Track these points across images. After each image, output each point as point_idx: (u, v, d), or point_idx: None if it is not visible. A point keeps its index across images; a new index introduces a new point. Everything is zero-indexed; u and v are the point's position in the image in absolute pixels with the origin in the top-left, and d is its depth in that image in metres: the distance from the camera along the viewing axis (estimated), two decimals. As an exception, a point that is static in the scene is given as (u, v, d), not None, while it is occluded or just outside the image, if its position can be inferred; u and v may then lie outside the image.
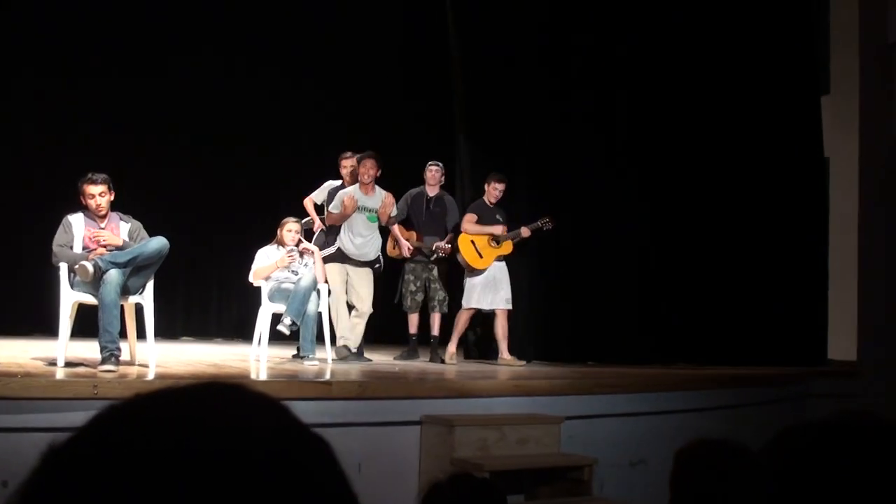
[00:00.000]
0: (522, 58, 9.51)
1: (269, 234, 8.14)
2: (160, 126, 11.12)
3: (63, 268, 6.24)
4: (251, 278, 7.96)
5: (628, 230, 9.23)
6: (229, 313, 12.21)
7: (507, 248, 8.92)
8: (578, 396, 6.46)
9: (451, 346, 8.87)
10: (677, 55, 9.64)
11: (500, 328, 8.80)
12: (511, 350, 8.72)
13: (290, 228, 7.97)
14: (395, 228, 9.02)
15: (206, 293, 12.33)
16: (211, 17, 11.16)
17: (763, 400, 7.62)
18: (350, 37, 11.59)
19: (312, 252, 8.07)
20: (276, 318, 7.47)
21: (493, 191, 8.98)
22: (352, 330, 8.45)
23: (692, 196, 9.45)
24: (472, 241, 8.87)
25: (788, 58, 9.90)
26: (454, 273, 9.19)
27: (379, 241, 8.64)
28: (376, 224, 8.60)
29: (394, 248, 9.21)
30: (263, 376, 6.38)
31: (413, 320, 9.29)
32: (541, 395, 6.32)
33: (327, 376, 6.30)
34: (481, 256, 8.84)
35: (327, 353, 7.72)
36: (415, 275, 9.19)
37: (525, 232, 8.83)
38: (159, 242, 6.27)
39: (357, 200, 8.42)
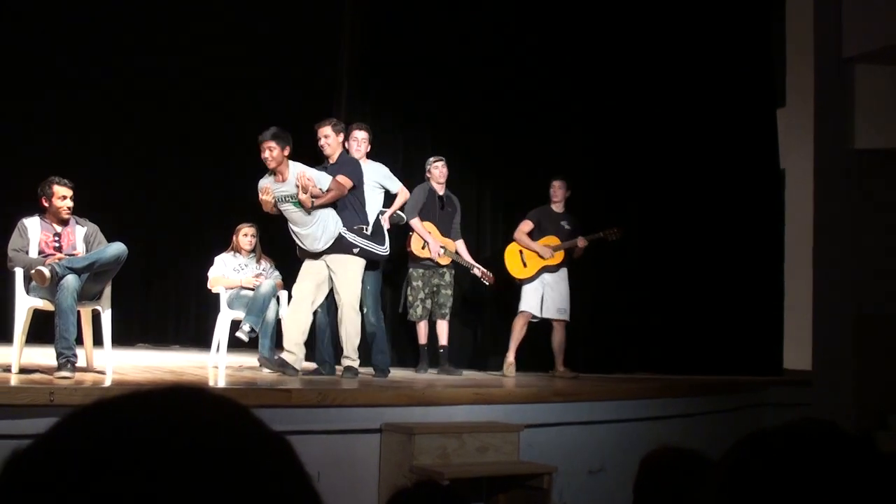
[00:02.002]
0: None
1: (226, 239, 8.10)
2: (114, 131, 11.04)
3: (18, 272, 6.17)
4: (209, 285, 7.92)
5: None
6: (187, 320, 12.12)
7: (556, 258, 8.60)
8: (537, 405, 6.48)
9: (510, 356, 8.51)
10: (633, 69, 9.73)
11: (556, 339, 8.57)
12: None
13: (247, 233, 7.95)
14: (419, 225, 8.40)
15: (163, 300, 12.24)
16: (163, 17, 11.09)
17: (720, 408, 7.69)
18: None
19: (271, 260, 8.05)
20: (235, 325, 7.43)
21: (553, 192, 8.70)
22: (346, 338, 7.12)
23: (648, 206, 9.54)
24: (520, 251, 8.62)
25: (744, 71, 10.04)
26: (464, 279, 9.00)
27: (329, 222, 6.96)
28: (314, 211, 6.92)
29: (423, 248, 8.46)
30: (222, 384, 6.34)
31: (422, 329, 8.64)
32: (500, 403, 6.33)
33: (287, 383, 6.27)
34: (525, 266, 8.58)
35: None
36: (423, 281, 8.51)
37: (581, 242, 8.56)
38: (117, 248, 6.21)
39: (272, 190, 6.91)
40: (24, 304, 6.12)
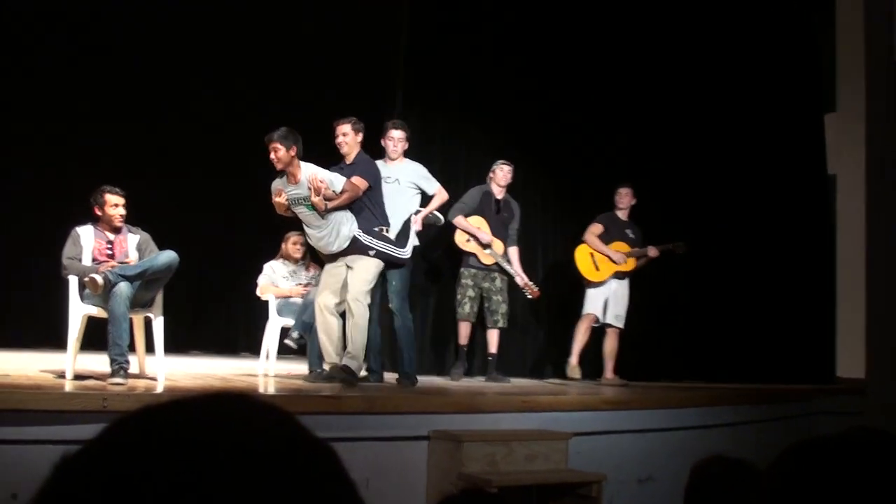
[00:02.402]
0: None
1: (276, 247, 8.16)
2: (168, 139, 11.15)
3: (73, 280, 6.27)
4: (259, 293, 7.98)
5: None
6: (238, 327, 12.21)
7: (629, 264, 8.56)
8: (586, 413, 6.46)
9: (574, 359, 8.45)
10: (681, 74, 9.66)
11: (608, 346, 8.51)
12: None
13: (296, 241, 8.00)
14: (463, 221, 8.30)
15: (214, 307, 12.35)
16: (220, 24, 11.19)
17: (771, 417, 7.60)
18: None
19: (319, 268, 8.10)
20: (285, 333, 7.48)
21: (619, 199, 8.67)
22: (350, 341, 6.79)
23: (696, 214, 9.44)
24: (591, 253, 8.54)
25: (792, 76, 9.93)
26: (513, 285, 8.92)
27: (343, 225, 6.77)
28: (328, 214, 6.74)
29: (468, 242, 8.34)
30: (271, 390, 6.38)
31: (464, 330, 8.45)
32: (548, 410, 6.31)
33: (336, 390, 6.30)
34: (598, 269, 8.51)
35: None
36: (474, 281, 8.36)
37: (652, 252, 8.51)
38: (169, 256, 6.29)
39: (285, 192, 6.76)
40: (79, 311, 6.22)
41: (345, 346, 6.82)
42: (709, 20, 9.81)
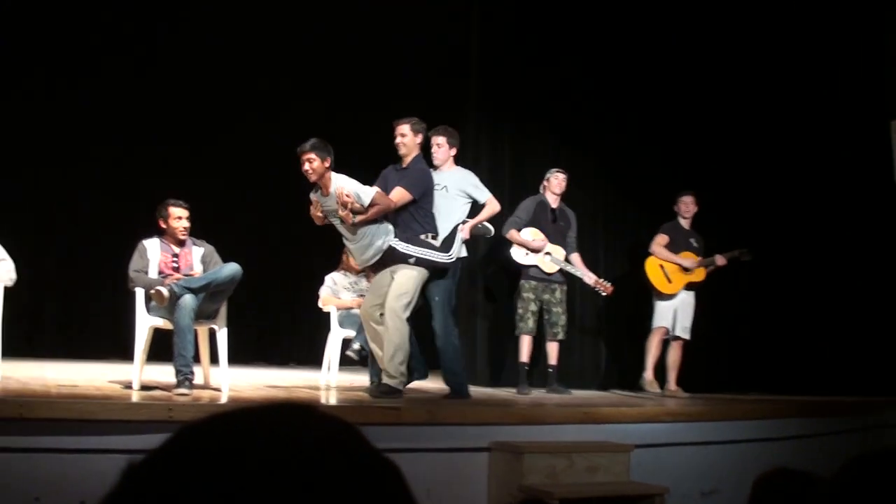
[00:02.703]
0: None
1: (337, 259, 8.22)
2: (235, 154, 11.29)
3: (139, 293, 6.39)
4: (320, 304, 8.05)
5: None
6: (300, 338, 12.31)
7: (699, 275, 8.46)
8: (648, 424, 6.41)
9: (649, 373, 8.34)
10: (743, 78, 9.55)
11: (673, 357, 8.40)
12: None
13: (356, 253, 8.05)
14: (517, 235, 8.15)
15: (277, 318, 12.47)
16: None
17: (837, 430, 7.46)
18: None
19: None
20: (347, 344, 7.54)
21: (684, 207, 8.56)
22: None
23: (759, 223, 9.29)
24: (662, 265, 8.45)
25: (857, 80, 9.75)
26: (578, 295, 8.89)
27: (378, 237, 6.57)
28: (357, 227, 6.55)
29: (527, 255, 8.18)
30: (333, 401, 6.43)
31: (527, 346, 8.24)
32: (610, 422, 6.28)
33: (397, 402, 6.33)
34: (670, 282, 8.41)
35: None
36: (535, 294, 8.20)
37: (720, 261, 8.41)
38: (232, 269, 6.39)
39: (320, 204, 6.59)
40: (145, 323, 6.33)
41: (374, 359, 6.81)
42: (771, 23, 9.68)
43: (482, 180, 8.99)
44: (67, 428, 4.75)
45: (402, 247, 6.58)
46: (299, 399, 5.73)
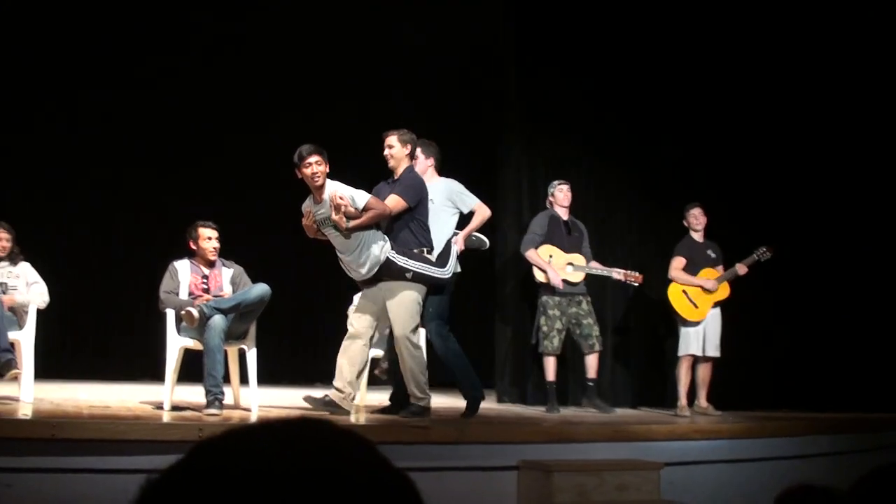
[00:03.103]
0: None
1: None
2: (264, 175, 11.36)
3: (170, 314, 6.45)
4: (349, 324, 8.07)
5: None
6: (328, 358, 12.32)
7: (723, 291, 8.17)
8: (678, 442, 6.37)
9: (683, 400, 8.08)
10: (777, 86, 9.46)
11: (703, 374, 8.16)
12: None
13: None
14: (535, 255, 8.06)
15: (307, 338, 12.51)
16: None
17: (871, 447, 7.38)
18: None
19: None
20: (374, 363, 7.55)
21: (694, 220, 8.31)
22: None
23: (787, 237, 9.12)
24: (684, 291, 8.16)
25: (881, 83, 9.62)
26: (608, 309, 8.81)
27: (374, 247, 6.33)
28: (354, 234, 6.32)
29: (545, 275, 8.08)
30: (362, 420, 6.45)
31: (551, 365, 8.07)
32: (640, 440, 6.25)
33: (425, 421, 6.34)
34: (696, 307, 8.14)
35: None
36: (560, 310, 8.03)
37: (741, 269, 8.16)
38: (261, 289, 6.44)
39: (313, 213, 6.43)
40: (175, 343, 6.39)
41: (397, 385, 6.77)
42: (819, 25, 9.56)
43: (521, 197, 8.98)
44: (99, 448, 4.80)
45: (401, 261, 6.36)
46: (315, 415, 5.74)
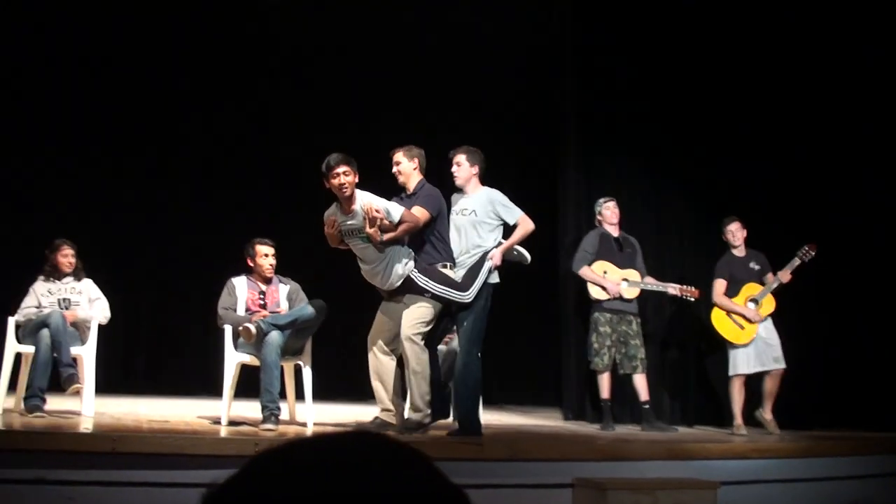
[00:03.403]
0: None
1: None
2: (318, 193, 11.45)
3: (227, 330, 6.54)
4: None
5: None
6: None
7: (768, 305, 7.97)
8: (735, 461, 6.31)
9: (738, 419, 7.95)
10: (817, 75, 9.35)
11: (770, 386, 7.96)
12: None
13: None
14: (588, 272, 8.03)
15: (361, 355, 12.56)
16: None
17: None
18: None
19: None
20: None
21: (731, 237, 8.17)
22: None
23: (835, 253, 8.92)
24: (729, 313, 8.04)
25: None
26: (663, 325, 8.75)
27: (400, 262, 6.22)
28: (383, 247, 6.19)
29: (603, 290, 8.02)
30: (415, 436, 6.47)
31: (605, 382, 8.03)
32: (695, 458, 6.20)
33: (479, 437, 6.36)
34: (743, 328, 7.98)
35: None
36: (611, 327, 8.00)
37: (785, 276, 7.94)
38: (318, 306, 6.52)
39: (338, 223, 6.27)
40: (233, 359, 6.47)
41: (404, 395, 6.53)
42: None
43: (580, 215, 8.92)
44: (158, 462, 4.88)
45: (421, 280, 6.23)
46: (373, 429, 5.76)
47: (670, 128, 9.28)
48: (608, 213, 8.27)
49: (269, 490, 0.79)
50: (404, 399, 6.54)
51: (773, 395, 8.00)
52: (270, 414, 6.10)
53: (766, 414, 8.00)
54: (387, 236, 6.10)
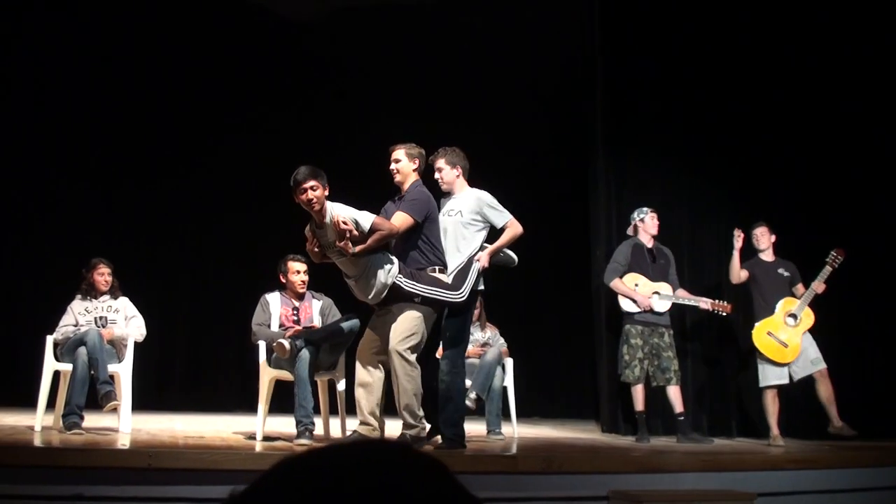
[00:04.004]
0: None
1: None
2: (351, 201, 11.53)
3: (261, 346, 6.59)
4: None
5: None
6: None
7: (807, 319, 7.84)
8: (771, 472, 6.25)
9: (774, 430, 7.82)
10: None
11: (823, 392, 7.82)
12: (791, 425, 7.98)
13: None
14: (620, 284, 7.99)
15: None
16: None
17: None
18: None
19: (496, 328, 8.18)
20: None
21: (755, 241, 8.12)
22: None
23: (865, 261, 8.83)
24: (769, 332, 7.88)
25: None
26: (696, 337, 8.67)
27: (380, 271, 5.84)
28: (360, 258, 5.80)
29: (634, 303, 8.01)
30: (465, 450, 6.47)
31: (639, 394, 8.00)
32: (731, 470, 6.15)
33: (513, 450, 6.35)
34: (786, 346, 7.82)
35: (513, 427, 7.75)
36: (643, 339, 7.98)
37: (819, 287, 7.80)
38: (351, 321, 6.55)
39: (316, 236, 5.91)
40: (267, 374, 6.52)
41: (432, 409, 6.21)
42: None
43: (610, 224, 8.87)
44: (194, 478, 4.91)
45: (408, 284, 5.90)
46: (394, 439, 5.74)
47: (707, 133, 9.25)
48: (650, 221, 8.20)
49: (288, 497, 0.80)
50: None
51: (831, 401, 7.85)
52: (305, 429, 6.13)
53: (836, 422, 7.84)
54: (358, 248, 5.70)
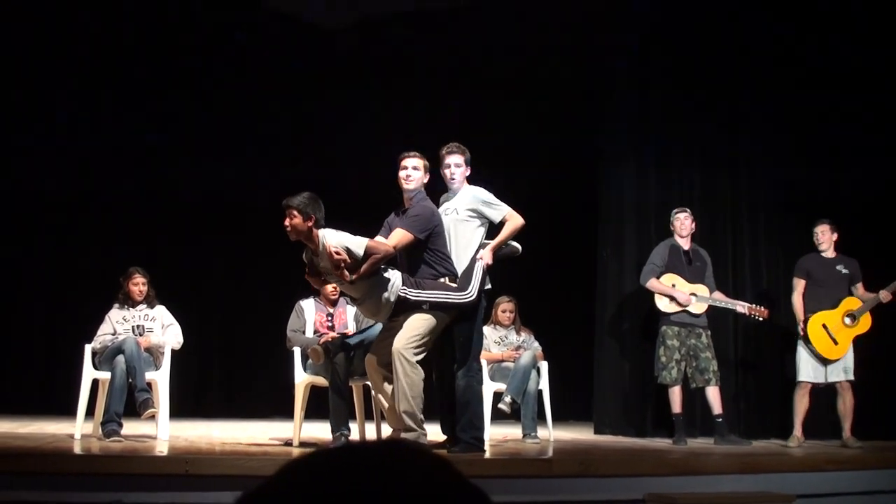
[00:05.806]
0: None
1: (488, 313, 8.28)
2: (380, 212, 11.55)
3: (296, 352, 6.64)
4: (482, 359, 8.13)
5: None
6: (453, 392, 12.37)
7: (864, 323, 7.71)
8: (810, 473, 6.19)
9: (797, 430, 7.75)
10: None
11: (842, 403, 7.75)
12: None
13: (504, 308, 8.10)
14: (657, 283, 7.93)
15: (428, 374, 12.59)
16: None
17: None
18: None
19: (531, 331, 8.17)
20: (497, 397, 7.58)
21: (816, 239, 7.95)
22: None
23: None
24: (824, 325, 7.73)
25: None
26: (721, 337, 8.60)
27: (383, 292, 5.81)
28: (360, 282, 5.77)
29: (671, 302, 7.92)
30: (487, 455, 6.47)
31: (676, 396, 7.93)
32: (769, 471, 6.09)
33: (549, 454, 6.34)
34: (836, 343, 7.69)
35: (549, 430, 7.73)
36: (679, 340, 7.91)
37: (885, 296, 7.65)
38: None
39: (314, 261, 5.92)
40: (302, 381, 6.56)
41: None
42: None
43: (634, 223, 8.83)
44: (231, 484, 4.95)
45: (413, 294, 5.81)
46: (403, 438, 5.71)
47: (737, 130, 9.19)
48: (678, 223, 8.13)
49: (295, 495, 0.81)
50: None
51: (850, 413, 7.76)
52: (340, 434, 6.16)
53: (848, 435, 7.75)
54: (355, 276, 5.65)
